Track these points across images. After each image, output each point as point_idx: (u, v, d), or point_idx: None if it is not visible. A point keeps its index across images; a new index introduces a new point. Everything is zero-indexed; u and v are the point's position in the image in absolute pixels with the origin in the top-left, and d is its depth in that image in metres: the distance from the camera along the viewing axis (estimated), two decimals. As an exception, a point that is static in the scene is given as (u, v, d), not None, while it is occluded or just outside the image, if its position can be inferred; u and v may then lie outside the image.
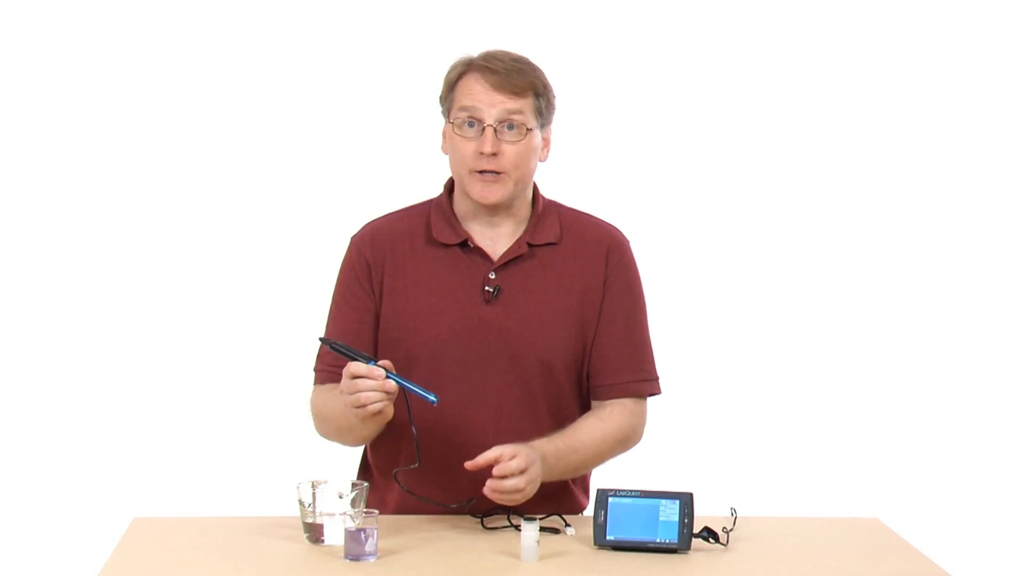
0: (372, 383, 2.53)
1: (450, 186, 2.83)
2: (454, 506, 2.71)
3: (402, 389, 2.57)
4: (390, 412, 2.58)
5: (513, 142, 2.70)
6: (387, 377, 2.54)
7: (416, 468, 2.66)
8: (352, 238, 2.86)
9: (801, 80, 4.55)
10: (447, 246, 2.79)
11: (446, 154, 2.78)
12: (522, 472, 2.57)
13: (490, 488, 2.57)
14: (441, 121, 2.80)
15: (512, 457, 2.57)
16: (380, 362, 2.56)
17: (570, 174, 3.05)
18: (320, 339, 2.70)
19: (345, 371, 2.57)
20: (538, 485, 2.62)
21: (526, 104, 2.71)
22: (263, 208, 4.47)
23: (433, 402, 2.56)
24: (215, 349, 4.45)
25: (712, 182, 4.57)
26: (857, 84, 4.56)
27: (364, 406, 2.54)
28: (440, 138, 2.80)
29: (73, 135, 4.43)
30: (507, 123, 2.70)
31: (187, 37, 4.43)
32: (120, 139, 4.44)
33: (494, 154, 2.69)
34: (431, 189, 2.87)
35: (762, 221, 4.58)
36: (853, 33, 4.55)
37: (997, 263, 4.59)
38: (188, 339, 4.45)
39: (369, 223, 2.87)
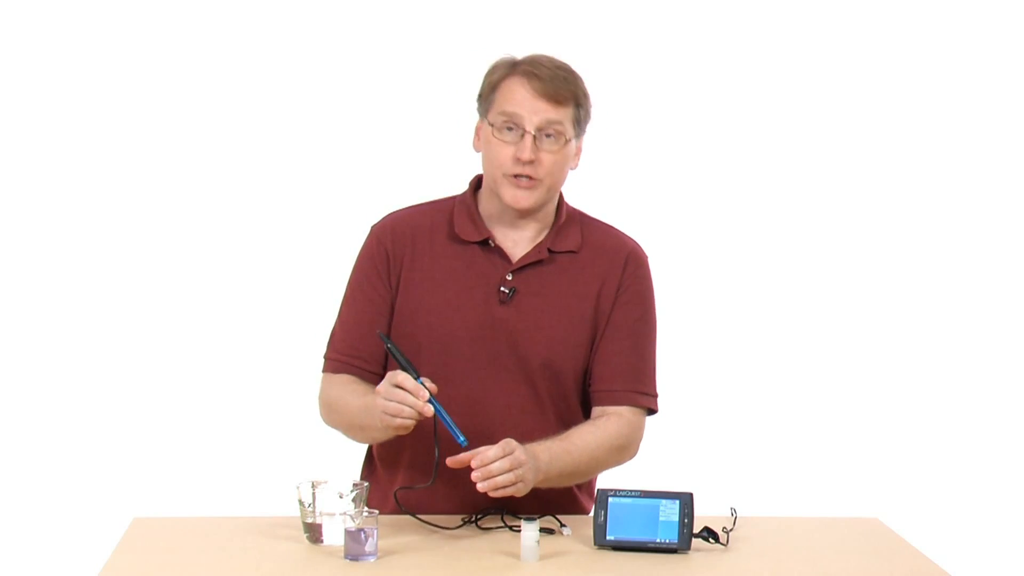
0: (412, 400, 2.54)
1: (476, 184, 2.83)
2: (453, 528, 2.70)
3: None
4: (411, 428, 2.59)
5: (551, 151, 2.70)
6: (428, 400, 2.54)
7: (423, 486, 2.66)
8: (373, 227, 2.85)
9: (809, 93, 4.55)
10: (468, 243, 2.79)
11: (477, 151, 2.77)
12: (504, 457, 2.55)
13: (478, 478, 2.54)
14: (471, 118, 2.78)
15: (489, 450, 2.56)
16: (426, 382, 2.56)
17: (587, 184, 3.04)
18: (380, 335, 2.68)
19: (390, 376, 2.57)
20: (531, 475, 2.59)
21: (566, 114, 2.71)
22: (264, 210, 4.47)
23: (462, 444, 2.56)
24: (215, 349, 4.44)
25: (713, 189, 4.56)
26: (864, 96, 4.55)
27: (394, 416, 2.55)
28: (472, 135, 2.78)
29: (104, 135, 4.42)
30: (546, 132, 2.70)
31: (210, 35, 4.43)
32: (128, 135, 4.44)
33: (531, 161, 2.69)
34: (453, 187, 2.87)
35: (762, 222, 4.58)
36: (868, 42, 4.55)
37: (997, 263, 4.59)
38: (188, 339, 4.45)
39: (391, 213, 2.86)
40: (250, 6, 4.44)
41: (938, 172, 4.59)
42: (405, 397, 2.54)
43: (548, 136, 2.70)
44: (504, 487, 2.56)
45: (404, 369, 2.58)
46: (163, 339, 4.45)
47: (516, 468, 2.56)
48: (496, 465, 2.55)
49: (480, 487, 2.55)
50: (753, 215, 4.57)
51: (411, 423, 2.56)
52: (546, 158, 2.70)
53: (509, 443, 2.57)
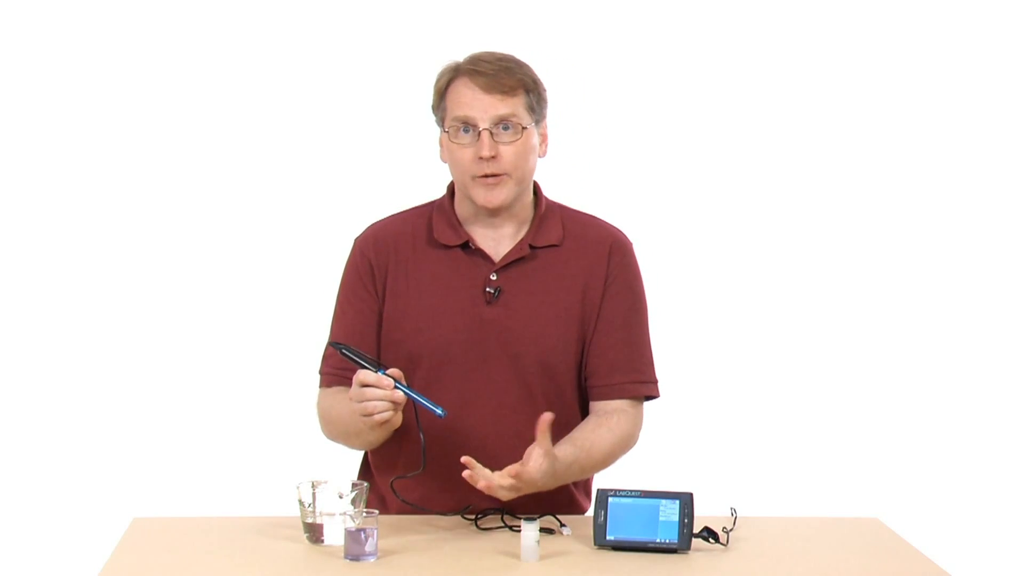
0: (380, 392, 2.54)
1: (452, 188, 2.83)
2: (451, 514, 2.72)
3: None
4: (398, 421, 2.58)
5: (510, 142, 2.70)
6: (395, 387, 2.55)
7: (414, 473, 2.67)
8: (355, 240, 2.87)
9: (801, 80, 4.55)
10: (449, 247, 2.79)
11: (445, 162, 2.78)
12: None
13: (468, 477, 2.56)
14: (437, 129, 2.80)
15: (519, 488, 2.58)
16: (389, 371, 2.56)
17: (570, 174, 3.04)
18: (331, 343, 2.69)
19: (355, 379, 2.57)
20: (540, 483, 2.61)
21: (517, 103, 2.70)
22: (265, 210, 4.47)
23: (440, 415, 2.57)
24: (215, 349, 4.44)
25: (709, 183, 4.56)
26: (856, 84, 4.55)
27: (371, 415, 2.55)
28: (437, 147, 2.79)
29: (75, 136, 4.42)
30: (502, 124, 2.70)
31: (190, 38, 4.43)
32: (124, 141, 4.44)
33: (493, 157, 2.69)
34: (433, 191, 2.87)
35: (762, 221, 4.58)
36: (853, 33, 4.55)
37: (997, 263, 4.59)
38: (189, 339, 4.45)
39: (372, 225, 2.87)
40: (234, 18, 4.43)
41: (936, 169, 4.59)
42: (374, 392, 2.54)
43: (504, 128, 2.70)
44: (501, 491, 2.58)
45: (365, 368, 2.58)
46: (163, 340, 4.45)
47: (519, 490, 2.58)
48: (508, 483, 2.56)
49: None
50: (753, 216, 4.57)
51: (390, 415, 2.55)
52: (506, 151, 2.70)
53: (522, 474, 2.57)
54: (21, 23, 4.38)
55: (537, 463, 2.58)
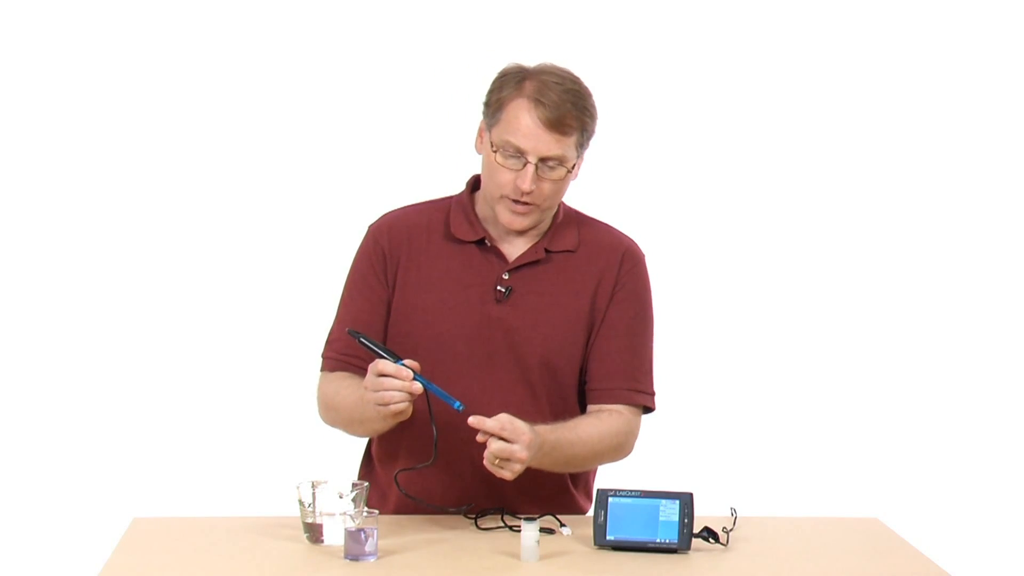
0: (398, 383, 2.54)
1: (473, 183, 2.82)
2: (452, 510, 2.72)
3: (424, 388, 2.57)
4: (409, 411, 2.58)
5: (552, 179, 2.69)
6: (414, 379, 2.54)
7: (423, 465, 2.67)
8: (370, 227, 2.85)
9: (807, 94, 4.55)
10: (464, 243, 2.79)
11: (479, 153, 2.76)
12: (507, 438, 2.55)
13: (474, 423, 2.55)
14: (470, 118, 2.77)
15: (503, 427, 2.55)
16: (407, 362, 2.56)
17: (587, 184, 3.03)
18: (349, 331, 2.68)
19: (371, 367, 2.57)
20: (529, 452, 2.57)
21: (570, 143, 2.68)
22: (265, 208, 4.47)
23: (458, 408, 2.56)
24: (216, 349, 4.45)
25: (713, 187, 4.57)
26: (864, 95, 4.56)
27: (387, 405, 2.54)
28: (474, 135, 2.76)
29: (100, 136, 4.42)
30: (549, 163, 2.68)
31: (207, 33, 4.43)
32: (126, 136, 4.44)
33: (531, 191, 2.68)
34: (450, 186, 2.86)
35: (762, 221, 4.58)
36: (861, 39, 4.55)
37: (997, 263, 4.59)
38: (189, 339, 4.45)
39: (388, 213, 2.86)
40: (250, 6, 4.44)
41: (938, 172, 4.59)
42: (392, 383, 2.54)
43: (551, 167, 2.68)
44: (499, 458, 2.54)
45: (383, 358, 2.58)
46: (163, 339, 4.45)
47: (514, 440, 2.54)
48: (491, 424, 2.54)
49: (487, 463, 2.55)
50: (753, 215, 4.58)
51: (405, 406, 2.55)
52: (546, 186, 2.69)
53: (512, 420, 2.56)
54: (21, 23, 4.38)
55: (504, 417, 2.55)
